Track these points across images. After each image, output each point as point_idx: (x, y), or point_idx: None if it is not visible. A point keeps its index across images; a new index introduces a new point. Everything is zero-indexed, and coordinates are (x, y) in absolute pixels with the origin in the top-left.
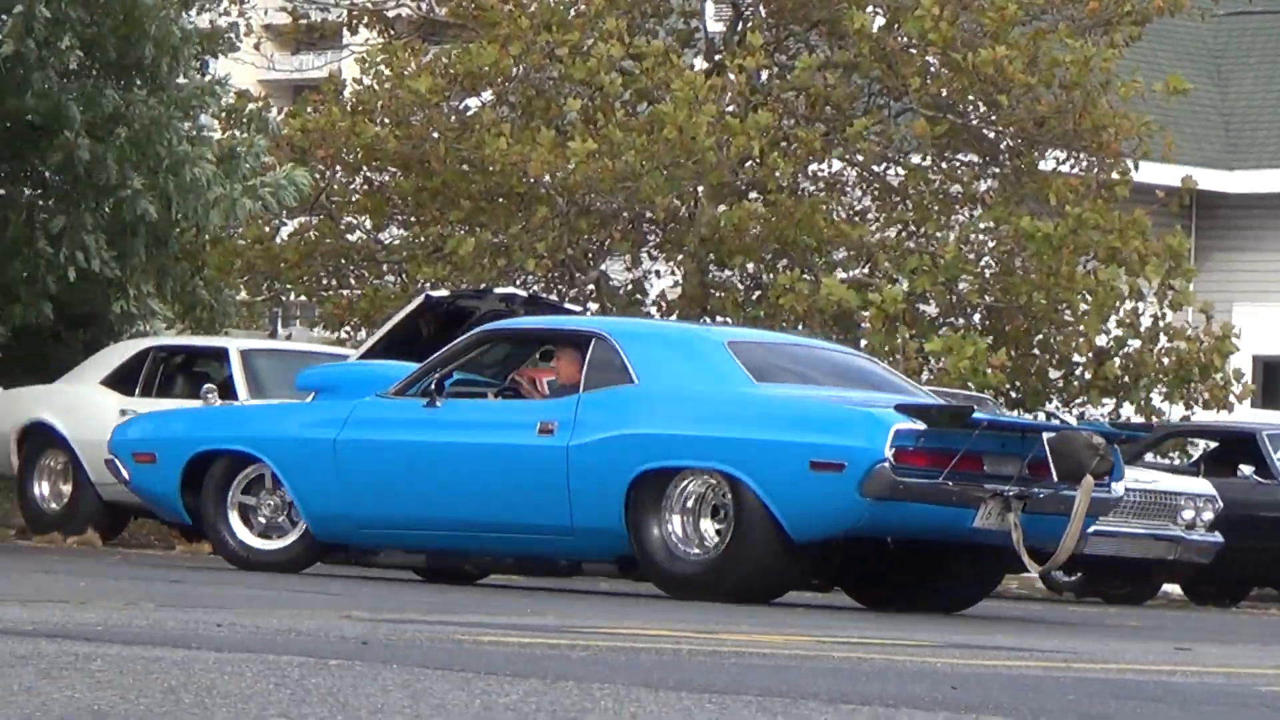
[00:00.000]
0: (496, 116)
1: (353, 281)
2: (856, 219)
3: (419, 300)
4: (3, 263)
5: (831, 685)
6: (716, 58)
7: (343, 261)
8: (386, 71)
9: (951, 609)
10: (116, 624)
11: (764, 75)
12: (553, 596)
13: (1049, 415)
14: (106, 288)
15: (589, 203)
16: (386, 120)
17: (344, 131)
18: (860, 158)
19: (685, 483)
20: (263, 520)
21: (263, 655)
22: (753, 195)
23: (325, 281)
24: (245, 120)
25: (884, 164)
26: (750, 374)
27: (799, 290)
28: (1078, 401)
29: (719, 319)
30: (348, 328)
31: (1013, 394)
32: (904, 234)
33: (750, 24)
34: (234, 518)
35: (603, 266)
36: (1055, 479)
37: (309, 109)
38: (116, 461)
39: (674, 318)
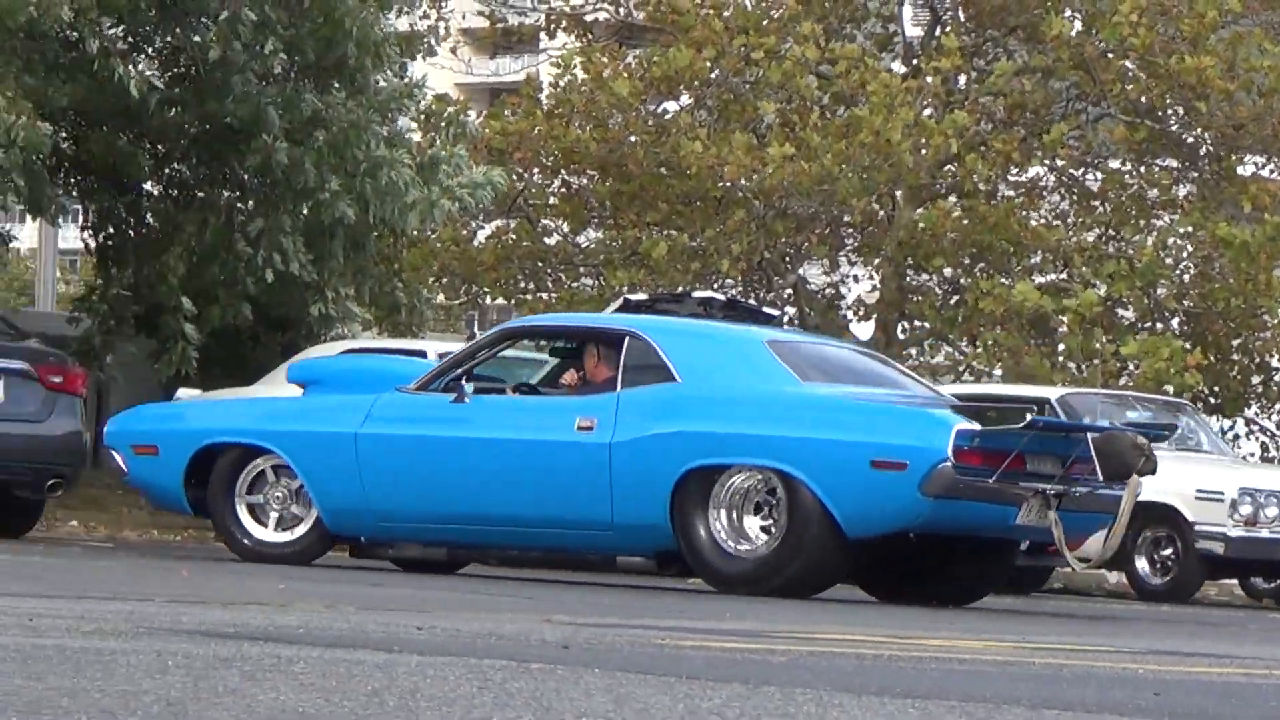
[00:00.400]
0: (693, 120)
1: (550, 284)
2: (1056, 223)
3: (617, 304)
4: (202, 265)
5: (1033, 691)
6: (914, 62)
7: (539, 264)
8: (583, 75)
9: (959, 602)
10: (317, 626)
11: (961, 80)
12: (748, 601)
13: (1248, 422)
14: (304, 290)
15: (785, 206)
16: (585, 123)
17: (542, 135)
18: (1060, 162)
19: (733, 480)
20: (270, 512)
21: (464, 659)
22: (950, 199)
23: (522, 284)
24: (444, 124)
25: (1082, 168)
26: (794, 373)
27: (998, 294)
28: (1278, 407)
29: (917, 323)
30: None
31: (1211, 399)
32: (1101, 238)
33: (948, 28)
34: (242, 509)
35: (800, 270)
36: (1101, 478)
37: (507, 112)
38: (115, 454)
39: (872, 322)
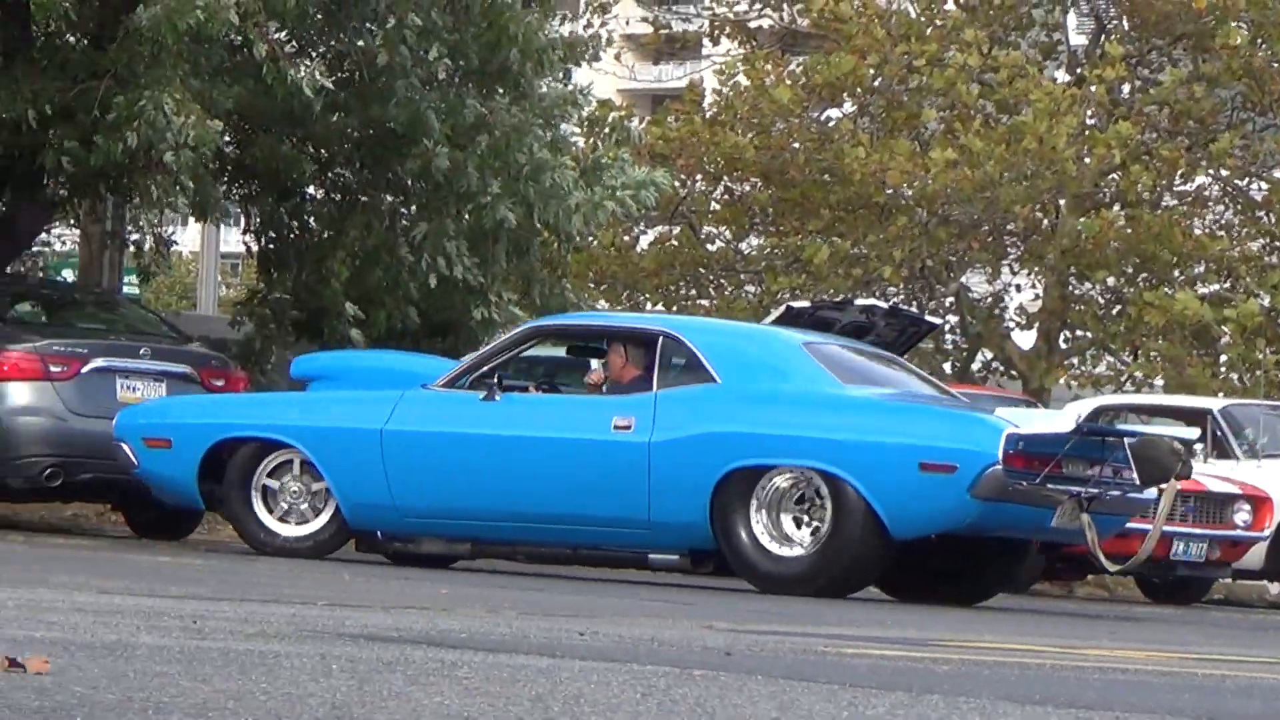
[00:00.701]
0: (855, 127)
1: (711, 291)
2: (1220, 233)
3: (780, 311)
4: (364, 269)
5: (1196, 702)
6: (1078, 70)
7: (701, 271)
8: (745, 82)
9: (971, 600)
10: (480, 631)
11: (1125, 88)
12: (908, 610)
13: None
14: (466, 295)
15: (947, 213)
16: (747, 130)
17: (704, 141)
18: (1225, 172)
19: (775, 480)
20: (286, 506)
21: (627, 664)
22: (1114, 208)
23: (683, 291)
24: (608, 130)
25: (1247, 178)
26: (834, 375)
27: (1160, 305)
28: None
29: (1079, 333)
30: None
31: None
32: (1266, 248)
33: (1112, 36)
34: (258, 504)
35: (963, 278)
36: (1138, 482)
37: (670, 118)
38: (124, 447)
39: (1034, 330)
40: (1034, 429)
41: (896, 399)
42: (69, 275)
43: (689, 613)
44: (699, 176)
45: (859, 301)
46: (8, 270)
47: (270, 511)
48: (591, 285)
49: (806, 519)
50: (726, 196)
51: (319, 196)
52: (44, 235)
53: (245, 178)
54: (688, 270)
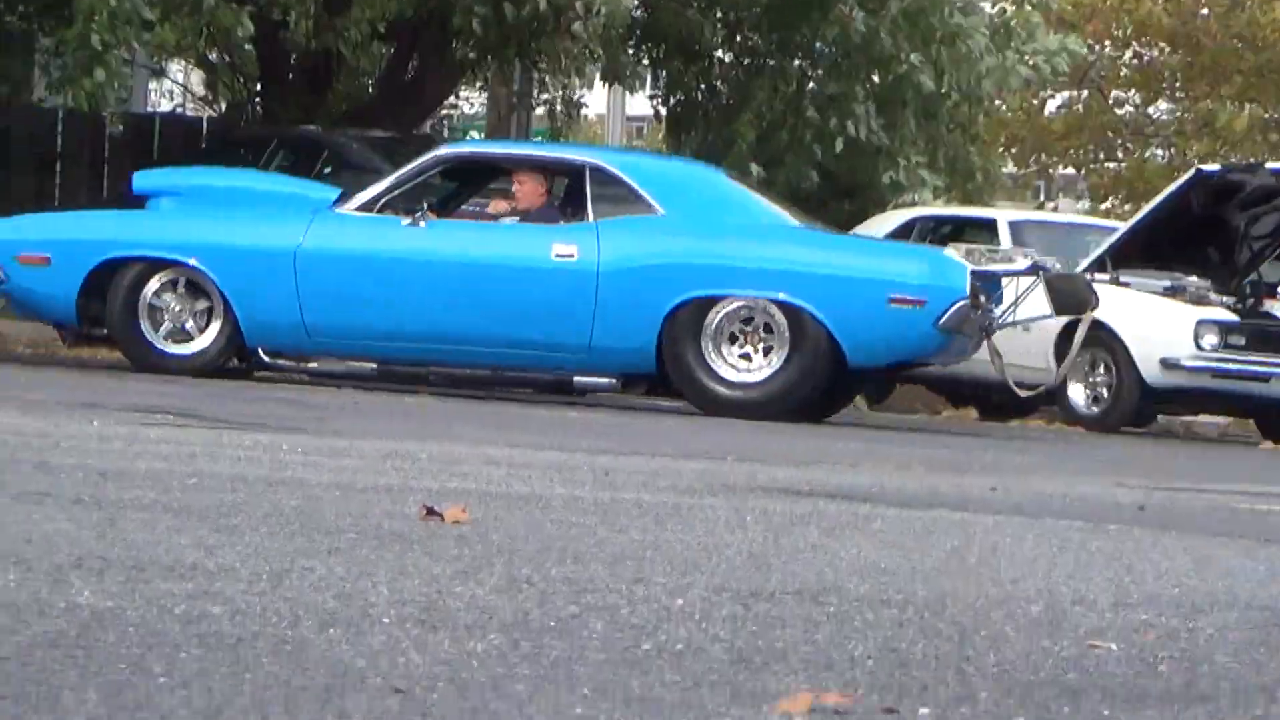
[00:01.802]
0: None
1: (1119, 155)
2: None
3: (1190, 175)
4: (771, 132)
5: None
6: None
7: (1110, 135)
8: None
9: (818, 418)
10: (891, 486)
11: None
12: None
13: None
14: (875, 157)
15: None
16: None
17: (1114, 7)
18: None
19: (726, 309)
20: (170, 324)
21: (1040, 519)
22: None
23: (1092, 154)
24: None
25: None
26: (778, 210)
27: None
28: None
29: None
30: (1113, 200)
31: None
32: None
33: None
34: (145, 322)
35: None
36: (1053, 313)
37: None
38: None
39: None
40: (985, 266)
41: (851, 234)
42: (476, 137)
43: (1100, 469)
44: (1107, 42)
45: (1270, 165)
46: (415, 132)
47: (156, 330)
48: (1000, 149)
49: (753, 348)
50: (1135, 61)
51: (727, 60)
52: (451, 98)
53: (654, 42)
54: (1097, 134)
